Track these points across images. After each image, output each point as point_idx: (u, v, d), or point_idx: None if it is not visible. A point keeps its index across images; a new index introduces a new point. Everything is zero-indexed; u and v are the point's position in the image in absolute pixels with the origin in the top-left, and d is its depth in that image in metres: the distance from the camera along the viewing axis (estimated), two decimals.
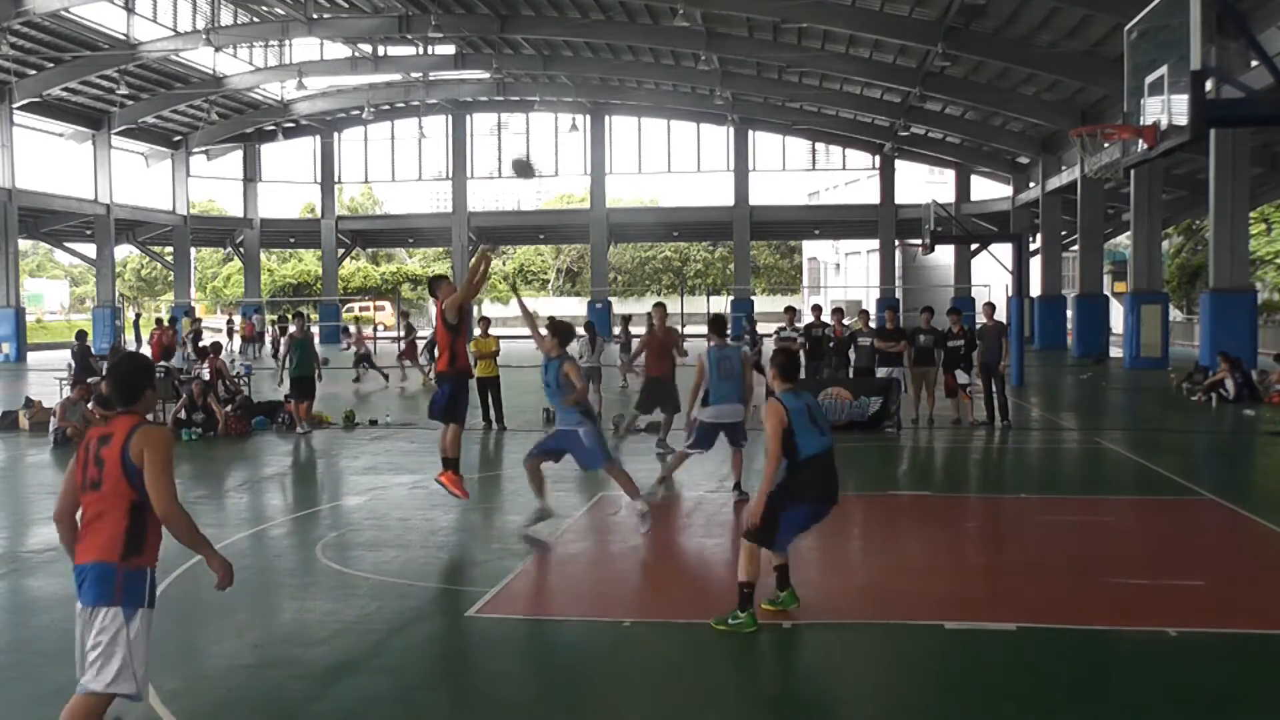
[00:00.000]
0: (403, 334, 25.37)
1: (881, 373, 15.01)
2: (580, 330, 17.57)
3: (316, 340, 18.94)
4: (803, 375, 16.45)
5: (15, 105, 33.15)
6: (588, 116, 43.57)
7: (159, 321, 22.85)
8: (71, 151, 39.17)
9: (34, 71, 32.58)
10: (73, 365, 19.74)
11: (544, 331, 8.88)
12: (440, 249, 63.27)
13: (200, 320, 34.77)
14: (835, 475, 6.22)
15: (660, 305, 13.81)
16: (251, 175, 46.22)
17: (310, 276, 60.53)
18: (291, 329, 17.09)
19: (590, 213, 45.13)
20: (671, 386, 12.94)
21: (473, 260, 9.56)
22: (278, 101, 41.74)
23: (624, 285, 71.34)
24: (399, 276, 68.66)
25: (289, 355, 15.64)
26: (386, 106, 43.27)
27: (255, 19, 33.14)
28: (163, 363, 17.29)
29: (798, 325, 17.66)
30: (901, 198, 42.59)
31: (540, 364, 8.85)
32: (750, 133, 43.31)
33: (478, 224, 47.34)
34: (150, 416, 4.34)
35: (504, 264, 77.21)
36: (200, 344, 25.64)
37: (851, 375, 15.75)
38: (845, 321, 17.06)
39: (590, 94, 40.86)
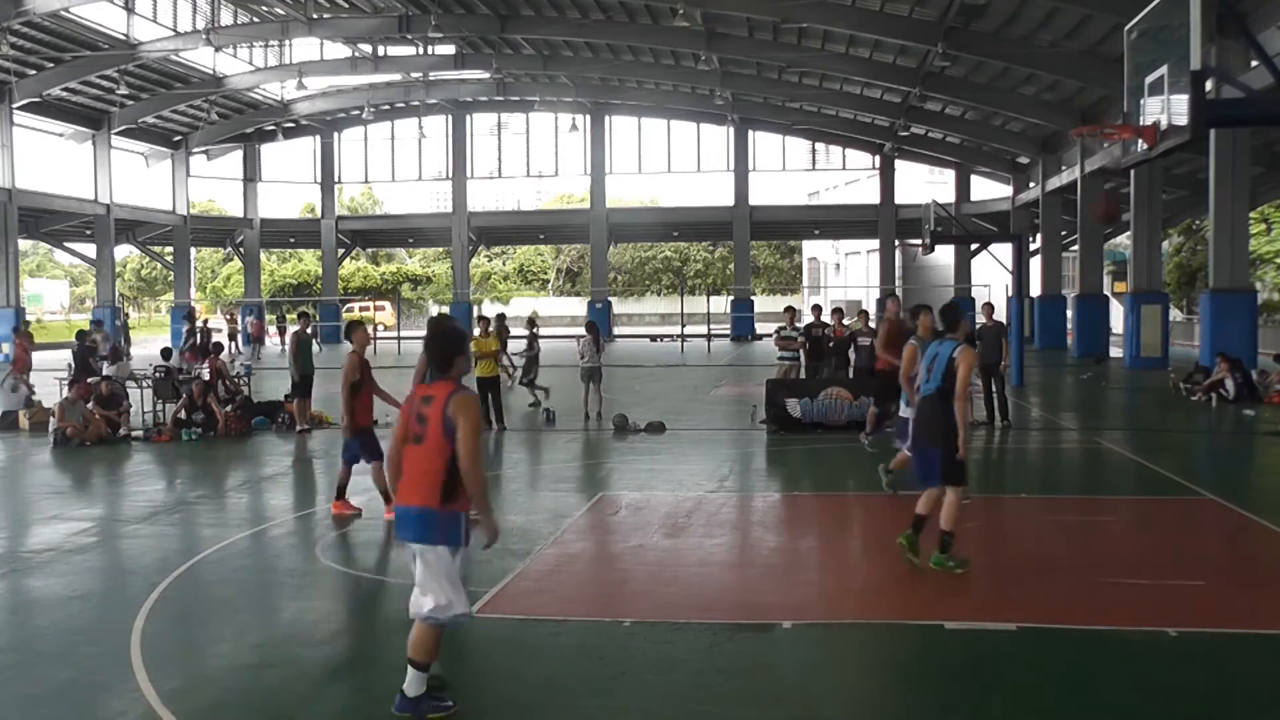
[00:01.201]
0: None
1: None
2: (582, 330, 17.64)
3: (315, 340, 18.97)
4: (803, 375, 16.31)
5: (15, 105, 33.16)
6: (588, 116, 43.58)
7: (18, 329, 21.58)
8: (71, 151, 39.20)
9: (34, 71, 32.59)
10: (72, 365, 19.73)
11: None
12: (440, 249, 63.26)
13: (194, 319, 33.76)
14: (928, 422, 7.03)
15: (894, 296, 13.81)
16: (251, 175, 46.23)
17: (310, 276, 60.48)
18: (294, 328, 17.08)
19: (590, 213, 45.16)
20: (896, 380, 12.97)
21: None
22: (278, 101, 41.74)
23: (624, 285, 71.34)
24: (399, 276, 68.63)
25: (300, 352, 15.73)
26: (386, 106, 43.28)
27: (255, 19, 33.15)
28: (163, 362, 17.29)
29: (798, 325, 17.64)
30: (901, 198, 42.61)
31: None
32: (750, 133, 43.33)
33: (478, 224, 47.38)
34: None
35: (504, 264, 77.23)
36: (98, 350, 25.10)
37: (851, 375, 15.73)
38: (845, 321, 17.03)
39: (590, 94, 40.87)
